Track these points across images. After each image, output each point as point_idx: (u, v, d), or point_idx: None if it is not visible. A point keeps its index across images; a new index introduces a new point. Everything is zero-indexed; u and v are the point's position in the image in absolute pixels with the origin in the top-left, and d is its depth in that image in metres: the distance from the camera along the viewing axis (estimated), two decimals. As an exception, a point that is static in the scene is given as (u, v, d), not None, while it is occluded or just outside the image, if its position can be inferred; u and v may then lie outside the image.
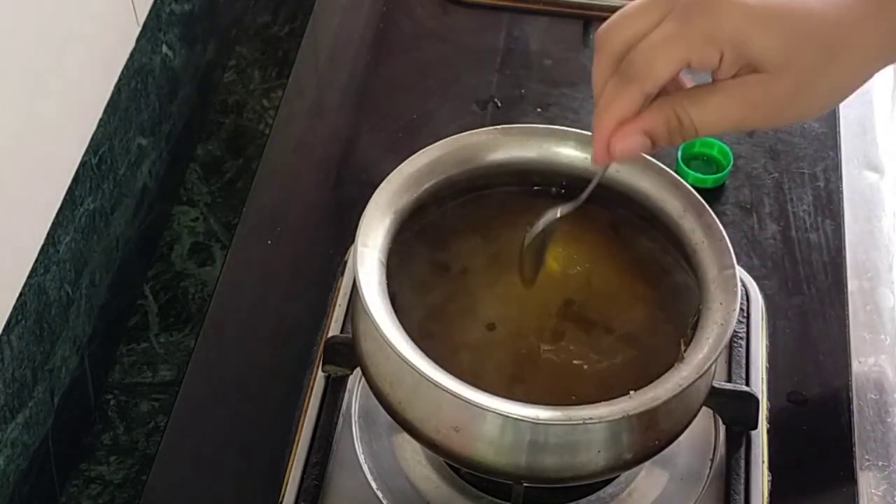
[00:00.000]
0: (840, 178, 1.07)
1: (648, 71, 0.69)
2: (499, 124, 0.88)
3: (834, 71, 0.70)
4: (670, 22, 0.69)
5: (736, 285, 0.79)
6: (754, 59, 0.68)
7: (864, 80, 0.73)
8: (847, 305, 0.98)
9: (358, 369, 0.85)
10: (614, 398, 0.75)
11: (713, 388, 0.84)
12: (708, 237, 0.82)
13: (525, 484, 0.79)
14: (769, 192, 1.06)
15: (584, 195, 0.80)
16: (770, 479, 0.88)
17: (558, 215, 0.80)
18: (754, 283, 0.98)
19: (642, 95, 0.70)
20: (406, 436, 0.80)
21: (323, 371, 0.91)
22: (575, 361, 0.82)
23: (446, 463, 0.86)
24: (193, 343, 0.97)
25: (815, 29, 0.68)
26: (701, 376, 0.76)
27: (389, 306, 0.78)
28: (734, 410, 0.88)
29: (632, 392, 0.75)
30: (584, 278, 0.86)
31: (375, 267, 0.79)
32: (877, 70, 0.73)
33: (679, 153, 1.05)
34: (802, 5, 0.68)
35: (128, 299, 1.03)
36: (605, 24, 0.71)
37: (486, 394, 0.74)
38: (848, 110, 1.12)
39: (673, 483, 0.88)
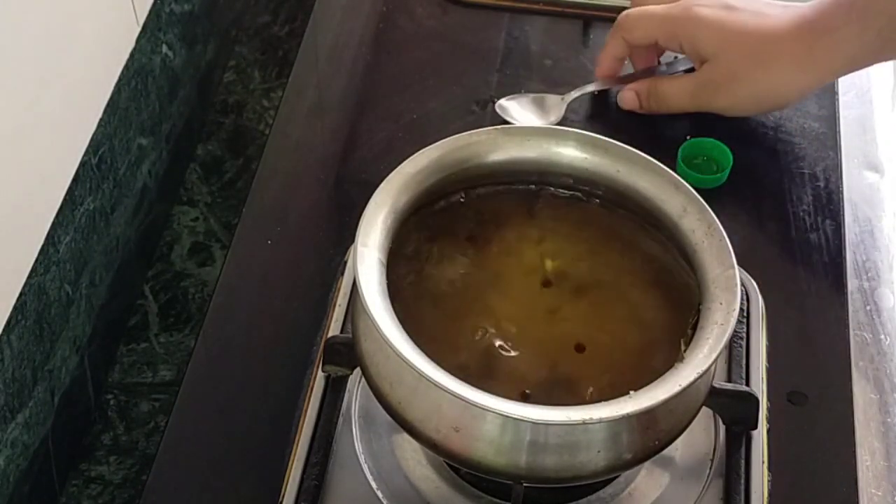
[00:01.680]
0: (840, 178, 1.07)
1: (631, 30, 1.07)
2: (499, 124, 0.88)
3: (760, 73, 1.02)
4: (664, 9, 1.05)
5: (736, 285, 0.79)
6: (700, 51, 1.04)
7: (797, 93, 1.04)
8: (847, 305, 0.98)
9: (358, 369, 0.85)
10: (614, 398, 0.75)
11: (713, 388, 0.84)
12: (708, 237, 0.82)
13: (525, 484, 0.79)
14: (769, 192, 1.05)
15: (582, 92, 1.10)
16: (770, 479, 0.88)
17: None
18: (754, 283, 0.98)
19: (625, 43, 1.08)
20: (406, 436, 0.80)
21: (323, 371, 0.91)
22: (575, 361, 0.82)
23: (446, 463, 0.86)
24: (193, 343, 0.96)
25: (744, 36, 1.01)
26: (701, 376, 0.76)
27: (389, 306, 0.78)
28: (734, 410, 0.88)
29: (632, 392, 0.75)
30: (584, 278, 0.86)
31: (375, 267, 0.79)
32: (806, 87, 1.04)
33: (679, 153, 1.05)
34: (739, 20, 1.02)
35: (128, 299, 1.04)
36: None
37: (486, 394, 0.74)
38: (848, 110, 1.12)
39: (673, 483, 0.88)
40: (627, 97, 1.08)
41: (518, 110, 1.10)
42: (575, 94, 1.10)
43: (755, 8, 1.03)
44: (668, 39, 1.05)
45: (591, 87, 1.10)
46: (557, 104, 1.09)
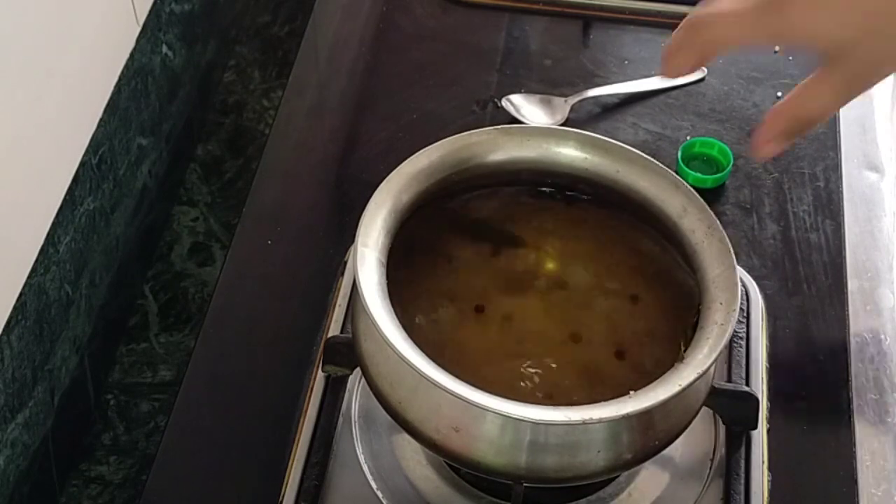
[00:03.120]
0: (840, 178, 1.07)
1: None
2: (499, 124, 0.88)
3: None
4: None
5: (736, 285, 0.79)
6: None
7: None
8: (847, 305, 0.98)
9: (358, 369, 0.85)
10: (614, 398, 0.75)
11: (713, 388, 0.84)
12: (708, 237, 0.82)
13: (525, 484, 0.79)
14: (769, 192, 1.05)
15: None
16: (770, 479, 0.88)
17: None
18: (754, 283, 0.98)
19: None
20: (406, 436, 0.80)
21: (323, 371, 0.91)
22: (575, 361, 0.82)
23: (446, 463, 0.86)
24: (193, 343, 0.97)
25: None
26: (701, 376, 0.76)
27: (389, 306, 0.78)
28: (734, 410, 0.88)
29: (632, 392, 0.75)
30: (584, 278, 0.86)
31: (375, 267, 0.79)
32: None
33: (679, 153, 1.05)
34: None
35: (128, 299, 1.04)
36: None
37: (486, 394, 0.74)
38: (848, 110, 1.12)
39: (673, 483, 0.88)
40: (769, 150, 0.76)
41: (526, 107, 1.10)
42: (578, 96, 1.10)
43: None
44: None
45: (594, 92, 1.10)
46: (561, 106, 1.10)
